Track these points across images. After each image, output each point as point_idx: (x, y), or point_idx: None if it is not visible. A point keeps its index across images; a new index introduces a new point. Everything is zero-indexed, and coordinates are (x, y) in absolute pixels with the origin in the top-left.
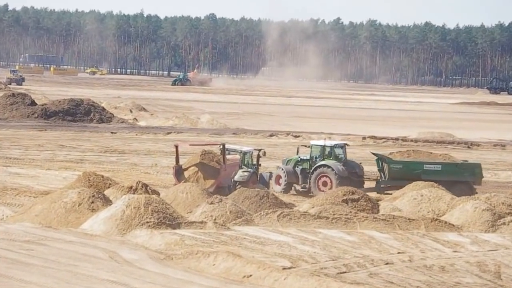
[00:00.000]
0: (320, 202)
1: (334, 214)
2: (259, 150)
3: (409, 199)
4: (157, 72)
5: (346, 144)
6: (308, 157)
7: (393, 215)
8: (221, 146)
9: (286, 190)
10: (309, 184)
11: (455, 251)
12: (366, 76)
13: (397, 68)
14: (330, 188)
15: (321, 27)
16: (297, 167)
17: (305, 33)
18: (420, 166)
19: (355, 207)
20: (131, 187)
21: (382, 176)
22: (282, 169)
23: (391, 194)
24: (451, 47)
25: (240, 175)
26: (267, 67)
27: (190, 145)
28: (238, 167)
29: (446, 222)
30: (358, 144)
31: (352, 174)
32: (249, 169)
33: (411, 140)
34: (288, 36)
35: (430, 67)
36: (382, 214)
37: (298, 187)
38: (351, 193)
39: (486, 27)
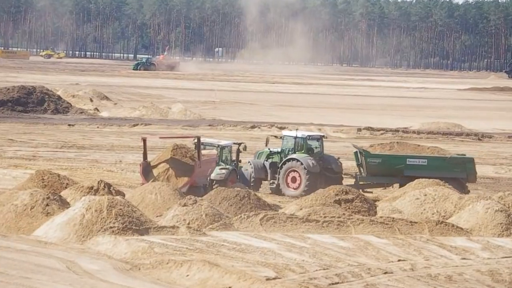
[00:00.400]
0: (309, 203)
1: (325, 217)
2: (239, 144)
3: (411, 199)
4: (122, 55)
5: (322, 136)
6: (279, 149)
7: (393, 218)
8: (196, 140)
9: (255, 187)
10: (278, 180)
11: (463, 258)
12: (362, 59)
13: (397, 50)
14: (299, 186)
15: (310, 2)
16: (267, 160)
17: (291, 10)
18: (402, 160)
19: (349, 208)
20: (91, 188)
21: (361, 171)
22: (250, 163)
23: (371, 192)
24: (459, 24)
25: (217, 172)
26: (246, 49)
27: (160, 138)
28: (215, 163)
29: (453, 225)
30: (352, 136)
31: (327, 170)
32: (227, 166)
33: (413, 132)
34: (272, 13)
35: (435, 48)
36: (380, 217)
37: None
38: (344, 193)
39: (499, 1)
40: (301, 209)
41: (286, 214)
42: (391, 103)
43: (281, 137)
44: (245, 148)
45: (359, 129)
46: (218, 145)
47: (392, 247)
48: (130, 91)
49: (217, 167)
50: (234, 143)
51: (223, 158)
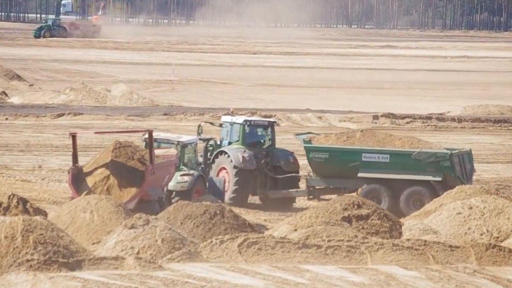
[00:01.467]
0: (307, 221)
1: (329, 241)
2: (208, 140)
3: (451, 214)
4: (37, 16)
5: (274, 122)
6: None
7: (425, 241)
8: (146, 135)
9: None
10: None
11: None
12: (379, 18)
13: (428, 4)
14: (227, 188)
15: None
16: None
17: None
18: (356, 155)
19: (363, 228)
20: (0, 205)
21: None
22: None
23: (328, 200)
24: None
25: (177, 180)
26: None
27: (96, 133)
28: (174, 167)
29: (511, 251)
30: (366, 127)
31: (273, 169)
32: (191, 171)
33: (452, 119)
34: None
35: (481, 0)
36: (407, 240)
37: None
38: (356, 206)
39: None
40: (295, 230)
41: (275, 237)
42: (420, 79)
43: (220, 125)
44: (216, 146)
45: (376, 117)
46: (178, 142)
47: (425, 282)
48: (52, 67)
49: (178, 173)
50: (201, 139)
51: (186, 160)
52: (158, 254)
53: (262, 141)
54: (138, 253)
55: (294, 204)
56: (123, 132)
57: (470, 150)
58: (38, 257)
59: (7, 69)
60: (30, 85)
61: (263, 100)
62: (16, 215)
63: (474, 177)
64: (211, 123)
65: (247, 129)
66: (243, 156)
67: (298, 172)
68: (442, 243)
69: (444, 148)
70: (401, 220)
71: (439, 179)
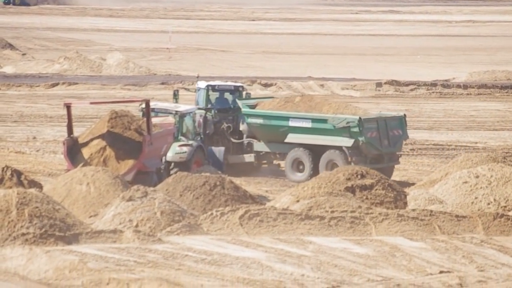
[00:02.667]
0: (309, 192)
1: (333, 212)
2: (207, 111)
3: (457, 183)
4: None
5: (240, 87)
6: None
7: (431, 211)
8: (143, 105)
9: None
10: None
11: None
12: None
13: None
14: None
15: None
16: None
17: None
18: (284, 121)
19: (367, 198)
20: None
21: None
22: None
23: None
24: None
25: (176, 151)
26: None
27: (92, 104)
28: (172, 137)
29: None
30: (369, 94)
31: (235, 134)
32: (190, 142)
33: (458, 86)
34: None
35: None
36: (413, 210)
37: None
38: (359, 176)
39: None
40: (298, 201)
41: (276, 209)
42: (425, 45)
43: (195, 90)
44: (215, 115)
45: (379, 84)
46: (176, 111)
47: (431, 252)
48: (45, 35)
49: (176, 144)
50: (200, 109)
51: (184, 130)
52: (157, 227)
53: (230, 106)
54: (136, 226)
55: (257, 171)
56: (119, 102)
57: (403, 115)
58: (34, 230)
59: None
60: (23, 54)
61: (263, 68)
62: (11, 187)
63: (480, 145)
64: (186, 89)
65: (211, 94)
66: (198, 121)
67: None
68: (448, 213)
69: (381, 112)
70: (406, 190)
71: (348, 144)
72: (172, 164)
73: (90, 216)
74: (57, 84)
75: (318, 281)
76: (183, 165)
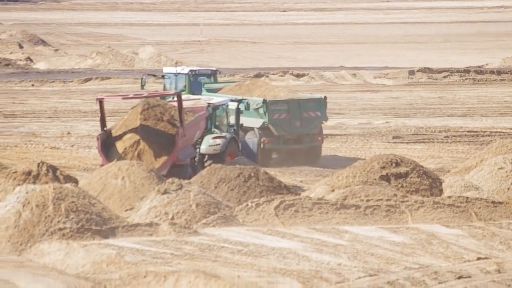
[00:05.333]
0: (344, 181)
1: (368, 200)
2: (239, 101)
3: (492, 169)
4: None
5: (216, 71)
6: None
7: (467, 197)
8: (175, 98)
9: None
10: None
11: None
12: None
13: None
14: None
15: None
16: None
17: None
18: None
19: (402, 186)
20: (29, 173)
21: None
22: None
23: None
24: None
25: (210, 144)
26: None
27: (124, 99)
28: (204, 122)
29: None
30: (402, 82)
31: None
32: (223, 134)
33: (491, 72)
34: None
35: None
36: (449, 197)
37: None
38: (394, 164)
39: None
40: (333, 190)
41: (311, 198)
42: (457, 32)
43: (162, 76)
44: (248, 107)
45: (412, 72)
46: (209, 104)
47: (468, 239)
48: (77, 30)
49: (210, 136)
50: (232, 100)
51: (217, 122)
52: (192, 219)
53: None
54: (172, 218)
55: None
56: (151, 96)
57: (322, 97)
58: (71, 225)
59: (31, 34)
60: (56, 50)
61: (295, 59)
62: (47, 183)
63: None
64: (153, 75)
65: (192, 79)
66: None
67: None
68: (484, 199)
69: (300, 94)
70: (441, 177)
71: (257, 125)
72: (206, 156)
73: (126, 210)
74: (90, 79)
75: (355, 270)
76: (217, 157)
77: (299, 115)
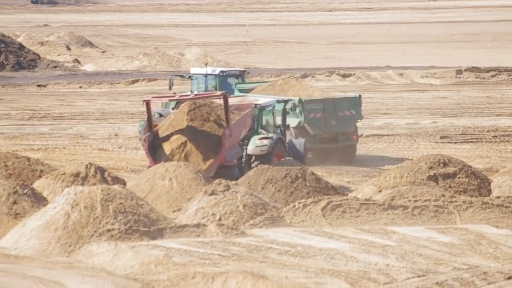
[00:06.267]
0: (392, 182)
1: (416, 201)
2: (286, 102)
3: None
4: None
5: (244, 71)
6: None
7: None
8: (221, 98)
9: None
10: None
11: None
12: None
13: None
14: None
15: None
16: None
17: None
18: None
19: (450, 187)
20: (77, 175)
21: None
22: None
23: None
24: None
25: (256, 145)
26: None
27: (170, 100)
28: (250, 119)
29: None
30: (450, 82)
31: None
32: (270, 135)
33: None
34: None
35: None
36: (497, 197)
37: None
38: (442, 165)
39: None
40: (380, 191)
41: (359, 199)
42: (505, 30)
43: (189, 77)
44: (294, 107)
45: (459, 71)
46: (256, 105)
47: None
48: (124, 32)
49: (256, 137)
50: (278, 101)
51: (264, 123)
52: (240, 220)
53: (233, 91)
54: (219, 219)
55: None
56: (197, 98)
57: (357, 96)
58: (119, 226)
59: (78, 36)
60: (103, 52)
61: (341, 59)
62: (95, 184)
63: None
64: (181, 76)
65: (223, 79)
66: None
67: None
68: None
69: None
70: (490, 177)
71: (293, 124)
72: (253, 157)
73: (174, 211)
74: (137, 81)
75: (403, 270)
76: (264, 158)
77: (335, 114)
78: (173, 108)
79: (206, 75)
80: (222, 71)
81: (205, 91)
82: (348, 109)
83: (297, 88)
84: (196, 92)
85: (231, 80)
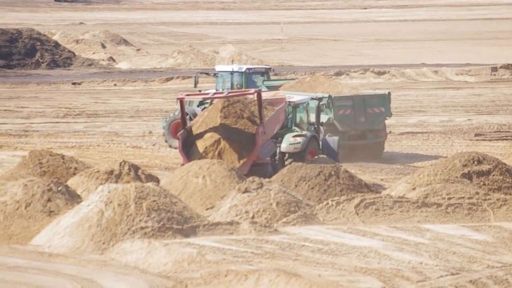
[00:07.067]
0: (425, 179)
1: (449, 199)
2: (320, 99)
3: None
4: None
5: (269, 69)
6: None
7: None
8: (255, 96)
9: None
10: None
11: None
12: None
13: None
14: None
15: None
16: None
17: None
18: None
19: (484, 184)
20: (111, 172)
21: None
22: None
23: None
24: None
25: (290, 142)
26: None
27: (204, 99)
28: (283, 114)
29: None
30: (484, 79)
31: None
32: (304, 132)
33: None
34: None
35: None
36: None
37: None
38: (476, 162)
39: None
40: (414, 188)
41: (392, 197)
42: None
43: (214, 74)
44: (329, 105)
45: (494, 68)
46: (289, 102)
47: None
48: (159, 30)
49: (290, 134)
50: (312, 99)
51: (298, 120)
52: (273, 218)
53: (259, 88)
54: (253, 217)
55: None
56: (231, 96)
57: (387, 93)
58: (152, 224)
59: (113, 34)
60: (137, 50)
61: (376, 56)
62: (128, 182)
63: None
64: (206, 74)
65: (250, 77)
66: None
67: None
68: None
69: (376, 91)
70: None
71: (323, 120)
72: (287, 155)
73: (207, 209)
74: (171, 78)
75: (437, 268)
76: (298, 156)
77: (364, 111)
78: (198, 106)
79: (232, 73)
80: (248, 68)
81: (231, 88)
82: (377, 106)
83: (326, 85)
84: (221, 90)
85: (256, 78)
